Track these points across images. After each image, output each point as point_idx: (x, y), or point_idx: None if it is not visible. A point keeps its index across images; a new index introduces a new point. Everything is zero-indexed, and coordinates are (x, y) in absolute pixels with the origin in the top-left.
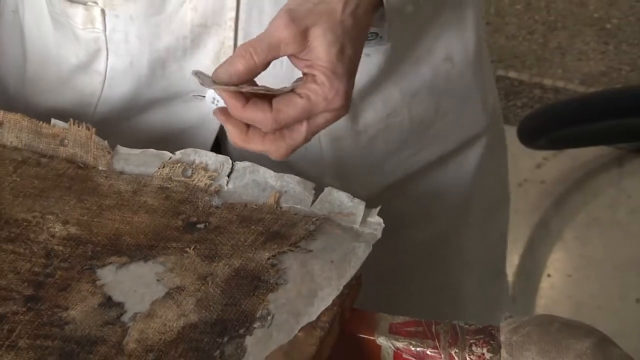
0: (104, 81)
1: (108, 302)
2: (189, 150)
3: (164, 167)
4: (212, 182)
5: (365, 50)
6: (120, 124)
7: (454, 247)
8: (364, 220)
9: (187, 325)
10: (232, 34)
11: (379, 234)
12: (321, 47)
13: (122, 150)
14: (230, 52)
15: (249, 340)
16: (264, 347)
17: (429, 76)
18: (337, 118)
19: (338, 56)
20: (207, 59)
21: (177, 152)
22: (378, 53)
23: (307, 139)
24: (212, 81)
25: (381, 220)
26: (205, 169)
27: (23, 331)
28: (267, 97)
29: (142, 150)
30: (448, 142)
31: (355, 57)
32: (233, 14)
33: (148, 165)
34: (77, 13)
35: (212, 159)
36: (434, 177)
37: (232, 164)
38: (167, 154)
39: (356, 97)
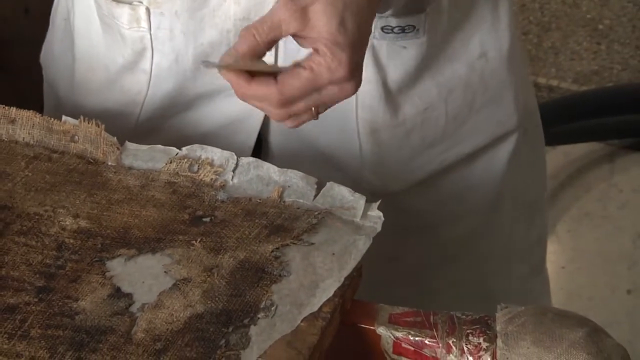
0: (150, 80)
1: (117, 293)
2: (195, 146)
3: (171, 162)
4: (217, 177)
5: (402, 43)
6: (166, 121)
7: (485, 244)
8: (364, 214)
9: (194, 316)
10: None
11: (378, 227)
12: (321, 21)
13: (130, 146)
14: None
15: (253, 330)
16: (267, 336)
17: (465, 72)
18: (344, 93)
19: (339, 28)
20: None
21: (184, 148)
22: (415, 46)
23: (309, 108)
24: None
25: (381, 214)
26: (211, 164)
27: (35, 321)
28: (273, 75)
29: (149, 146)
30: (480, 138)
31: (359, 32)
32: None
33: (156, 161)
34: (123, 13)
35: (217, 155)
36: (465, 173)
37: (237, 159)
38: (174, 149)
39: (395, 89)
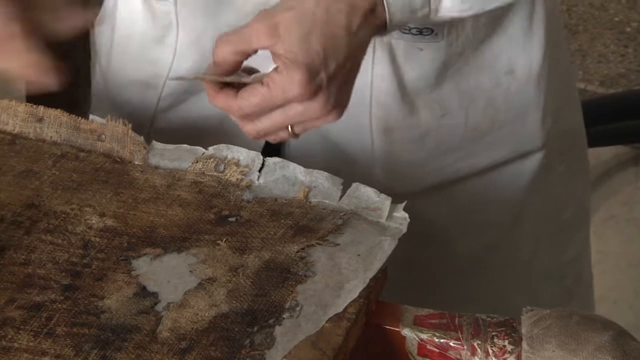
0: (174, 55)
1: (142, 292)
2: (221, 146)
3: (197, 162)
4: (243, 177)
5: (419, 45)
6: (188, 98)
7: (503, 260)
8: (390, 215)
9: (219, 315)
10: None
11: (404, 229)
12: (286, 36)
13: (157, 145)
14: None
15: (278, 330)
16: (292, 337)
17: (490, 86)
18: (311, 113)
19: (300, 46)
20: None
21: (210, 148)
22: (431, 49)
23: (277, 127)
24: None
25: (407, 215)
26: (237, 164)
27: (60, 319)
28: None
29: (176, 145)
30: (500, 153)
31: (327, 54)
32: None
33: (182, 160)
34: None
35: (243, 155)
36: (481, 186)
37: (263, 159)
38: (201, 149)
39: (412, 90)
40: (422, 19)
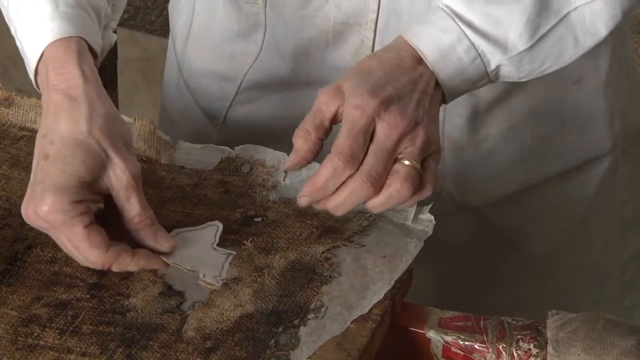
0: (259, 53)
1: (168, 291)
2: (247, 146)
3: (223, 162)
4: (269, 177)
5: None
6: (263, 96)
7: (573, 261)
8: (415, 217)
9: (244, 315)
10: (371, 35)
11: (430, 231)
12: (352, 92)
13: (184, 145)
14: (368, 51)
15: (303, 331)
16: (317, 337)
17: (558, 96)
18: (392, 125)
19: (373, 91)
20: (347, 54)
21: (237, 148)
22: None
23: (383, 161)
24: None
25: (432, 217)
26: (263, 164)
27: (86, 317)
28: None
29: (203, 145)
30: (568, 160)
31: (389, 81)
32: (374, 16)
33: (209, 160)
34: None
35: (269, 156)
36: (553, 193)
37: None
38: (227, 149)
39: (482, 109)
40: (484, 85)
